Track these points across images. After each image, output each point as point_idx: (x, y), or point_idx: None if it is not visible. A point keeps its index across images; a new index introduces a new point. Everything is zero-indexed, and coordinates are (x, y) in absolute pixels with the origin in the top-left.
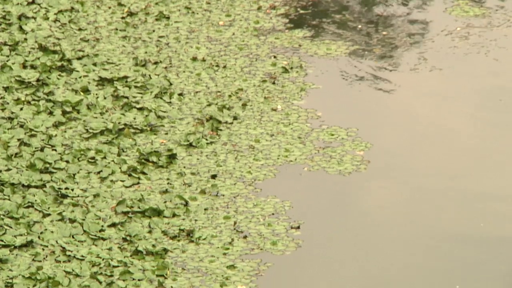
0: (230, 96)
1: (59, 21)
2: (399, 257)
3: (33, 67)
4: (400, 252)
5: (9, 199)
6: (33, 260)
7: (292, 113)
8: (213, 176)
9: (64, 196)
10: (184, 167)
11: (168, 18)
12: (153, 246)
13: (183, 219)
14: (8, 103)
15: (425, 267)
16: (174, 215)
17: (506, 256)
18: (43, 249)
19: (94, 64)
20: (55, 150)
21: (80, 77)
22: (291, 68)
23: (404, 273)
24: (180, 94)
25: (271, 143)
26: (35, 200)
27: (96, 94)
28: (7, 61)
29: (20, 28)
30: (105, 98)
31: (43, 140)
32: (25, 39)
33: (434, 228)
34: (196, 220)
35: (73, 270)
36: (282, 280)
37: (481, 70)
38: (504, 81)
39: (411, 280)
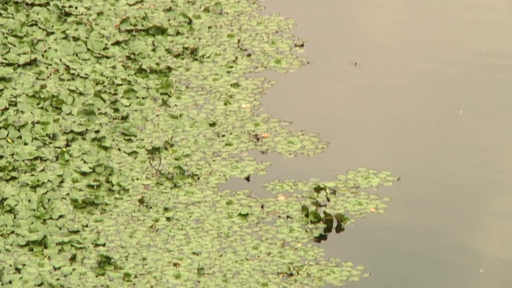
0: None
1: None
2: (401, 77)
3: None
4: (401, 72)
5: (12, 18)
6: (36, 78)
7: None
8: None
9: (68, 14)
10: None
11: None
12: (157, 64)
13: (187, 37)
14: None
15: (427, 89)
16: (177, 33)
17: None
18: (46, 67)
19: None
20: None
21: None
22: None
23: (406, 95)
24: None
25: None
26: (39, 18)
27: None
28: None
29: None
30: None
31: None
32: None
33: (435, 51)
34: (200, 38)
35: (77, 88)
36: (286, 97)
37: None
38: None
39: (415, 100)
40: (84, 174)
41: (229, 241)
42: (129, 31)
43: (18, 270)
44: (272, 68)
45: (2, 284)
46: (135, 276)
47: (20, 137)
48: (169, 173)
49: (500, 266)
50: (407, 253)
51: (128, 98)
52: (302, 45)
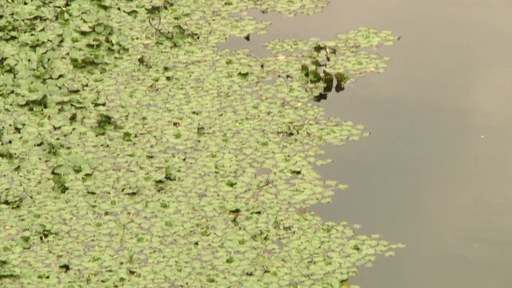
0: None
1: None
2: None
3: None
4: None
5: None
6: None
7: None
8: None
9: None
10: None
11: None
12: None
13: None
14: None
15: None
16: None
17: None
18: None
19: None
20: None
21: None
22: None
23: None
24: None
25: None
26: None
27: None
28: None
29: None
30: None
31: None
32: None
33: None
34: None
35: None
36: None
37: None
38: None
39: None
40: (83, 33)
41: (229, 100)
42: None
43: (17, 130)
44: None
45: (2, 143)
46: (135, 136)
47: None
48: (168, 32)
49: (499, 130)
50: (407, 113)
51: None
52: None
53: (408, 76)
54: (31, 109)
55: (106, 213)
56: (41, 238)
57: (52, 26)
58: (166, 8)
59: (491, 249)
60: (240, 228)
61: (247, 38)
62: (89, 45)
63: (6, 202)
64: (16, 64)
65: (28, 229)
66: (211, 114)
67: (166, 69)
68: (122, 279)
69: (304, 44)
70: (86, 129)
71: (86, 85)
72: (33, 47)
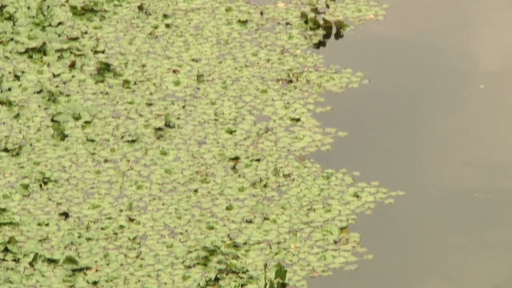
0: None
1: None
2: None
3: None
4: None
5: None
6: None
7: None
8: None
9: None
10: None
11: None
12: None
13: None
14: None
15: None
16: None
17: None
18: None
19: None
20: None
21: None
22: None
23: None
24: None
25: None
26: None
27: None
28: None
29: None
30: None
31: None
32: None
33: None
34: None
35: None
36: None
37: None
38: None
39: None
40: None
41: (229, 48)
42: None
43: (17, 77)
44: None
45: (1, 91)
46: (135, 83)
47: None
48: None
49: (499, 80)
50: (406, 60)
51: None
52: None
53: (407, 24)
54: (30, 57)
55: (106, 161)
56: (40, 185)
57: None
58: None
59: (490, 196)
60: (239, 175)
61: None
62: None
63: (6, 150)
64: (15, 12)
65: (28, 177)
66: (210, 61)
67: (165, 16)
68: (121, 227)
69: None
70: (85, 77)
71: (86, 33)
72: None
